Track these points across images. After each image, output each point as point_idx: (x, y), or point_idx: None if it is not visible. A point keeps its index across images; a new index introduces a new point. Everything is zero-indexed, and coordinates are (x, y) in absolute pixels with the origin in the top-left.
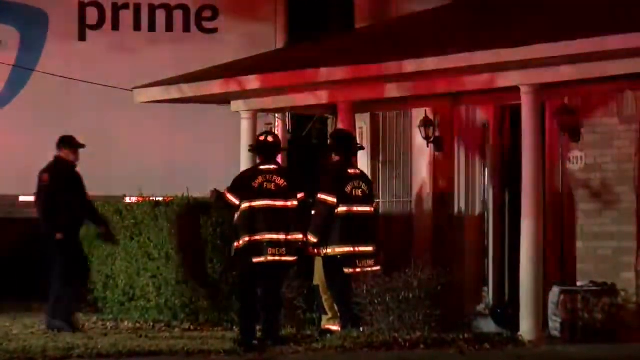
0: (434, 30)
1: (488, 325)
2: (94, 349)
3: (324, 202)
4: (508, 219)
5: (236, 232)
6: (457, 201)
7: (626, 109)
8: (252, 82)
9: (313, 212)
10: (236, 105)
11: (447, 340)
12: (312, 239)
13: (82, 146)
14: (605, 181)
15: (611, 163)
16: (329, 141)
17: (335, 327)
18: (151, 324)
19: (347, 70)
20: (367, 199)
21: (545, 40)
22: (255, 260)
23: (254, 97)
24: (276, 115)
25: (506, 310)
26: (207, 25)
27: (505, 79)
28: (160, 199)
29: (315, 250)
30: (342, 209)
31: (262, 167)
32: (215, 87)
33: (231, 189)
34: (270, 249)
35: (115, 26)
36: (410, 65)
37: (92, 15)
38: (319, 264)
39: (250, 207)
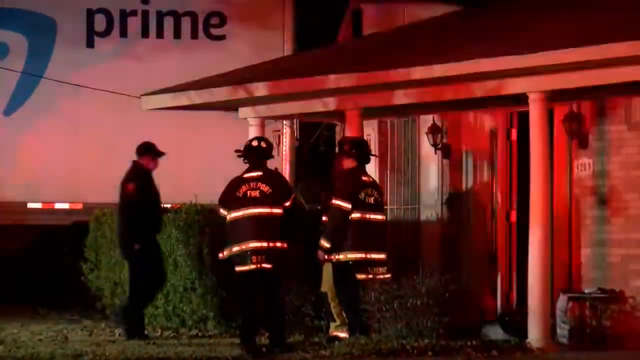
0: (441, 38)
1: (496, 333)
2: (102, 356)
3: (339, 207)
4: (516, 225)
5: (225, 243)
6: (465, 208)
7: (634, 116)
8: (260, 89)
9: (324, 218)
10: (244, 112)
11: (455, 348)
12: (325, 244)
13: (163, 154)
14: (613, 188)
15: (619, 170)
16: (337, 148)
17: (343, 334)
18: (159, 331)
19: (355, 78)
20: (379, 207)
21: (552, 47)
22: (238, 269)
23: (262, 104)
24: (284, 122)
25: (514, 317)
26: (215, 32)
27: (513, 86)
28: (168, 205)
29: (326, 257)
30: (355, 215)
31: (246, 176)
32: (223, 94)
33: (220, 202)
34: (254, 257)
35: (123, 33)
36: (418, 73)
37: (100, 22)
38: (327, 270)
39: (235, 217)
